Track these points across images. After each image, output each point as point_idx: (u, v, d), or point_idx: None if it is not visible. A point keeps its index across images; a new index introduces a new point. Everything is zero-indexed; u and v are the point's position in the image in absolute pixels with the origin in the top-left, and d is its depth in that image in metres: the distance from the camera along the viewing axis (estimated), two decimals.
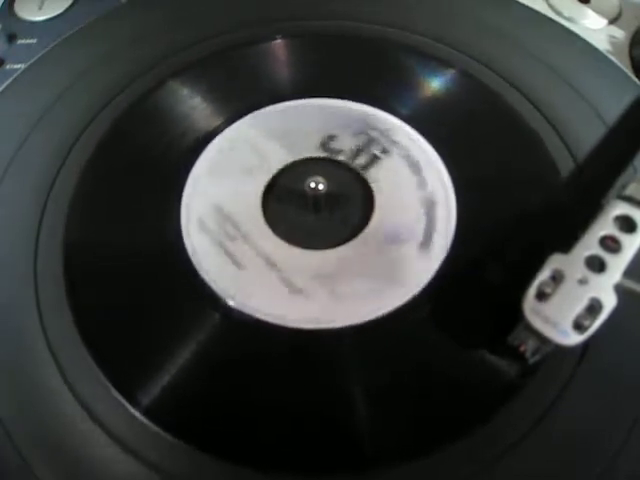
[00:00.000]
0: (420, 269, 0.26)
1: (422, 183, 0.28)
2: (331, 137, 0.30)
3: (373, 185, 0.28)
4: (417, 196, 0.28)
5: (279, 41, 0.34)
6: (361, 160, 0.29)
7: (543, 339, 0.21)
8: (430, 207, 0.28)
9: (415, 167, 0.29)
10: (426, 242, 0.27)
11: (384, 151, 0.29)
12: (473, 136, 0.30)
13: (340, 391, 0.24)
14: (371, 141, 0.30)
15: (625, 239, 0.23)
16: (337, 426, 0.23)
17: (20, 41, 0.37)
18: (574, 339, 0.21)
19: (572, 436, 0.23)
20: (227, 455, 0.22)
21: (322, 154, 0.29)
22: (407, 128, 0.30)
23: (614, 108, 0.31)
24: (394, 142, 0.30)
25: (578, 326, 0.21)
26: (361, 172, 0.29)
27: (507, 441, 0.22)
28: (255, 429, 0.23)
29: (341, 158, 0.29)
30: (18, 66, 0.35)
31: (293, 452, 0.23)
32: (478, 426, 0.23)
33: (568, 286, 0.22)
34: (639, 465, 0.22)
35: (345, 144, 0.30)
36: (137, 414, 0.23)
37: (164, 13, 0.37)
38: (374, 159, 0.29)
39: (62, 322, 0.25)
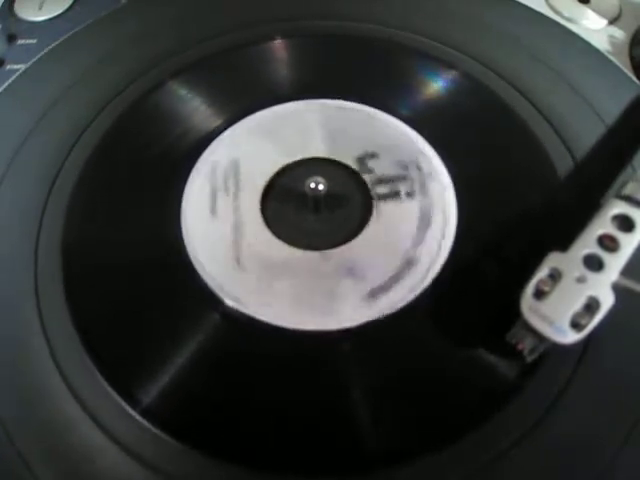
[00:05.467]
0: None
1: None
2: (373, 154, 0.29)
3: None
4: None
5: (279, 41, 0.34)
6: (383, 189, 0.28)
7: (541, 337, 0.21)
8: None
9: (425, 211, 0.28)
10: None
11: (409, 194, 0.28)
12: (472, 136, 0.30)
13: (338, 392, 0.24)
14: (405, 178, 0.28)
15: (623, 238, 0.23)
16: (335, 427, 0.23)
17: (20, 41, 0.37)
18: (571, 337, 0.21)
19: (571, 437, 0.23)
20: (226, 456, 0.23)
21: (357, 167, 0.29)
22: (444, 178, 0.28)
23: (613, 108, 0.31)
24: (425, 189, 0.28)
25: (575, 325, 0.21)
26: (374, 199, 0.28)
27: (506, 441, 0.22)
28: (254, 429, 0.23)
29: (366, 178, 0.28)
30: (18, 66, 0.35)
31: (291, 453, 0.23)
32: (476, 427, 0.23)
33: (566, 284, 0.22)
34: (639, 466, 0.22)
35: (380, 167, 0.29)
36: (136, 415, 0.23)
37: (164, 13, 0.37)
38: (395, 196, 0.28)
39: (62, 322, 0.25)
